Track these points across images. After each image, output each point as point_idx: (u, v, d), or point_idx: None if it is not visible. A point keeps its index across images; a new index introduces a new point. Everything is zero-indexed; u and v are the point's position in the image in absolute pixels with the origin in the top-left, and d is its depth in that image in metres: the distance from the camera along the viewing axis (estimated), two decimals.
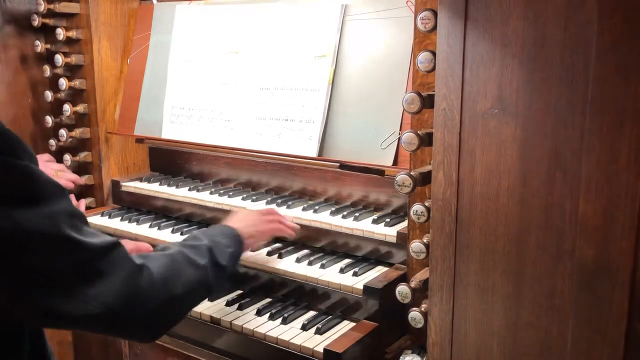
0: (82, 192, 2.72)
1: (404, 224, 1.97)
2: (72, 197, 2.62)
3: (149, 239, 2.28)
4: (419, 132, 1.50)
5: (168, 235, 2.32)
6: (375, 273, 1.94)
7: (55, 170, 2.53)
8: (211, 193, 2.44)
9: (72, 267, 1.25)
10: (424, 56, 1.47)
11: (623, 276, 1.21)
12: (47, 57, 2.69)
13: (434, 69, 1.43)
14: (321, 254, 2.08)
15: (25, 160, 1.20)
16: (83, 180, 2.66)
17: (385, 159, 1.96)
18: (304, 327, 1.83)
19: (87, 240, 1.26)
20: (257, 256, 2.09)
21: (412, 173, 1.51)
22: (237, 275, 2.09)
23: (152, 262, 1.43)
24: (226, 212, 2.31)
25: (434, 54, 1.42)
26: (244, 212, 2.07)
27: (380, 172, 2.03)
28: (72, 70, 2.65)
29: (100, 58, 2.62)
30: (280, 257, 2.07)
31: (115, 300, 1.29)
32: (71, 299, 1.24)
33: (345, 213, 2.12)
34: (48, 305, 1.24)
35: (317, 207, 2.16)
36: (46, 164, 2.50)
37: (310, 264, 2.01)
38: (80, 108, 2.63)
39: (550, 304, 1.31)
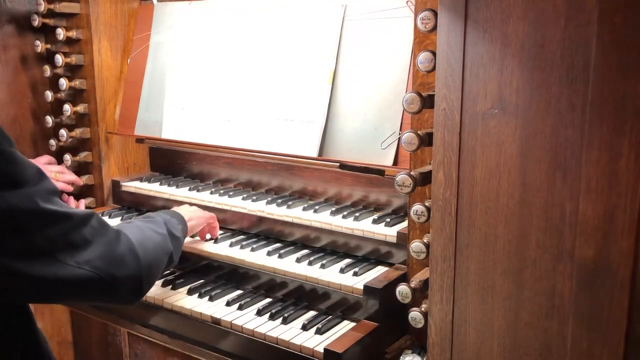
0: (82, 192, 2.72)
1: (404, 224, 1.97)
2: (71, 198, 2.62)
3: None
4: (419, 132, 1.50)
5: None
6: (376, 273, 1.94)
7: (54, 172, 2.53)
8: (211, 193, 2.44)
9: (61, 237, 1.37)
10: (424, 56, 1.47)
11: (623, 276, 1.21)
12: (47, 57, 2.69)
13: (434, 69, 1.43)
14: (321, 254, 2.08)
15: (5, 145, 1.30)
16: (82, 181, 2.66)
17: (385, 159, 1.97)
18: (304, 327, 1.83)
19: (69, 210, 1.40)
20: (257, 256, 2.10)
21: (412, 173, 1.51)
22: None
23: (126, 230, 1.59)
24: (226, 212, 2.32)
25: (434, 54, 1.42)
26: (185, 204, 2.29)
27: (380, 172, 2.03)
28: (72, 70, 2.65)
29: (100, 58, 2.62)
30: (280, 257, 2.07)
31: (104, 263, 1.44)
32: (64, 266, 1.37)
33: (345, 213, 2.12)
34: (39, 275, 1.34)
35: (317, 207, 2.16)
36: (45, 167, 2.50)
37: (310, 264, 2.01)
38: (80, 108, 2.63)
39: (550, 304, 1.31)
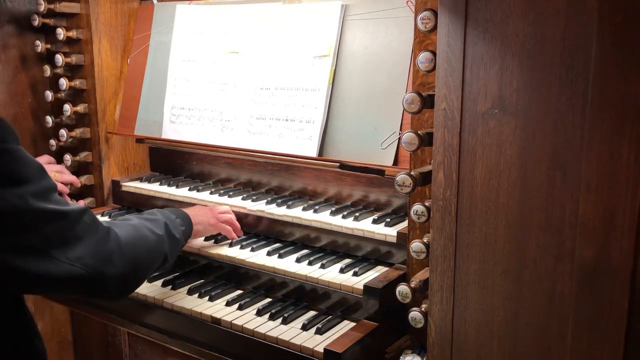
0: (82, 192, 2.72)
1: (404, 224, 1.97)
2: (67, 199, 2.62)
3: None
4: (419, 132, 1.50)
5: None
6: (376, 273, 1.94)
7: (54, 172, 2.53)
8: (211, 193, 2.44)
9: (56, 234, 1.42)
10: (424, 56, 1.47)
11: (623, 276, 1.21)
12: (47, 57, 2.69)
13: (434, 68, 1.44)
14: (321, 254, 2.08)
15: (12, 143, 1.36)
16: (81, 182, 2.65)
17: (385, 159, 1.96)
18: (304, 327, 1.83)
19: (65, 208, 1.44)
20: (257, 256, 2.10)
21: (412, 173, 1.51)
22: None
23: (117, 228, 1.62)
24: None
25: (434, 53, 1.42)
26: (200, 206, 2.28)
27: (380, 172, 2.03)
28: (72, 70, 2.65)
29: (100, 58, 2.62)
30: (280, 257, 2.07)
31: (94, 260, 1.47)
32: (57, 262, 1.41)
33: (345, 213, 2.12)
34: (35, 271, 1.39)
35: (317, 207, 2.16)
36: (45, 167, 2.50)
37: (310, 263, 2.01)
38: (80, 108, 2.63)
39: (550, 304, 1.31)
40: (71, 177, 2.61)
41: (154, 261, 1.75)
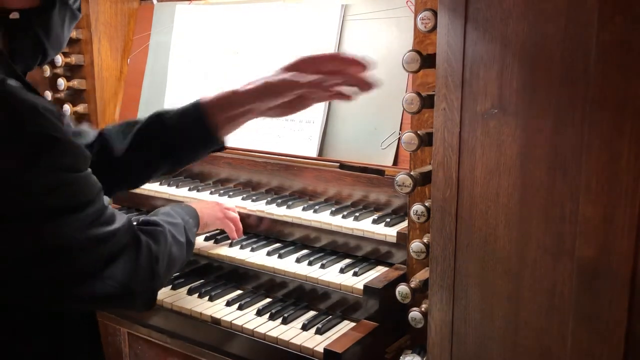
0: None
1: (404, 224, 1.97)
2: None
3: None
4: (419, 132, 1.50)
5: None
6: (375, 273, 1.94)
7: None
8: (211, 193, 2.44)
9: (103, 255, 1.37)
10: (409, 56, 1.47)
11: (623, 276, 1.21)
12: None
13: (419, 69, 1.44)
14: (321, 254, 2.08)
15: (82, 164, 1.33)
16: None
17: (385, 159, 1.97)
18: (304, 327, 1.83)
19: (115, 227, 1.39)
20: (257, 256, 2.09)
21: (412, 173, 1.51)
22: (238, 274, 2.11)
23: (151, 237, 1.56)
24: None
25: (420, 53, 1.42)
26: (207, 201, 2.25)
27: (380, 172, 2.03)
28: (72, 71, 2.65)
29: (100, 58, 2.62)
30: (280, 257, 2.07)
31: (128, 278, 1.42)
32: (97, 282, 1.36)
33: (345, 213, 2.12)
34: (73, 291, 1.35)
35: (317, 207, 2.16)
36: None
37: (310, 264, 2.01)
38: (80, 108, 2.63)
39: (550, 304, 1.31)
40: None
41: (176, 270, 1.73)
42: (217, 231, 2.28)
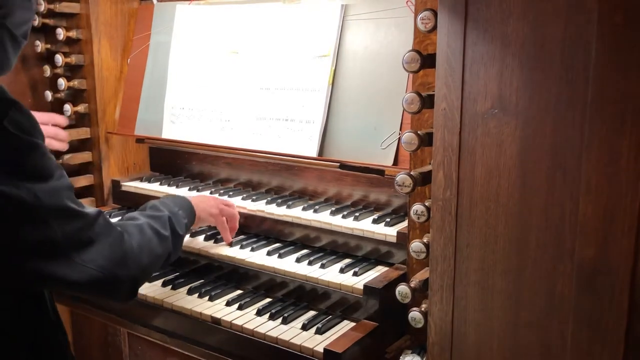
0: (82, 192, 2.72)
1: (404, 224, 1.97)
2: None
3: None
4: (419, 132, 1.50)
5: None
6: (375, 273, 1.94)
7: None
8: (211, 193, 2.44)
9: (71, 235, 1.42)
10: (410, 56, 1.47)
11: (623, 276, 1.21)
12: (47, 57, 2.68)
13: (419, 69, 1.43)
14: (321, 254, 2.08)
15: (39, 138, 1.37)
16: (80, 181, 2.65)
17: (385, 159, 1.97)
18: (304, 327, 1.83)
19: (82, 209, 1.45)
20: (257, 256, 2.09)
21: (412, 173, 1.51)
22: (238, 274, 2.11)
23: (128, 229, 1.63)
24: None
25: (419, 53, 1.42)
26: (206, 195, 2.28)
27: (380, 172, 2.03)
28: (72, 70, 2.65)
29: (100, 58, 2.61)
30: (280, 257, 2.07)
31: (107, 263, 1.48)
32: (71, 264, 1.42)
33: (345, 213, 2.12)
34: (50, 271, 1.40)
35: (317, 206, 2.16)
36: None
37: (310, 263, 2.01)
38: (80, 108, 2.62)
39: (550, 304, 1.31)
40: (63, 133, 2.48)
41: (159, 261, 1.76)
42: (217, 231, 2.28)
